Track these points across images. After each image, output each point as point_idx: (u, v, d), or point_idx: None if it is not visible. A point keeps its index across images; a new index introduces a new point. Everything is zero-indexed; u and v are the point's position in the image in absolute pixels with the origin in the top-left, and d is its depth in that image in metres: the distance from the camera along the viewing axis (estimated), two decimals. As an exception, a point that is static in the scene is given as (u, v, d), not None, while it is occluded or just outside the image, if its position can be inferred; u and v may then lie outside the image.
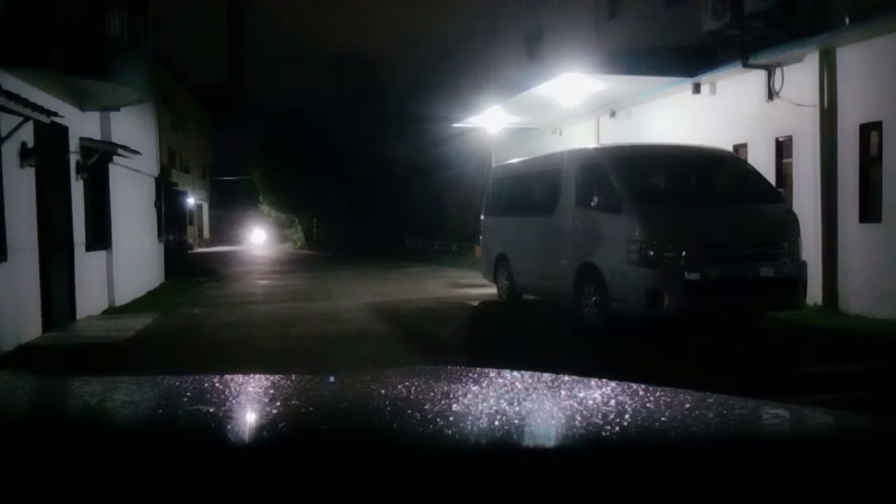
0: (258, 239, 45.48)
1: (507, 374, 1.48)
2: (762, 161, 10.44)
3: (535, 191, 10.81)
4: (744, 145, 11.34)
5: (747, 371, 6.54)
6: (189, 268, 20.86)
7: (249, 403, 1.35)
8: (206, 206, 46.66)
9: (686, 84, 12.23)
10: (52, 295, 9.47)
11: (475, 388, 1.40)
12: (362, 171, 33.83)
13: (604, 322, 8.41)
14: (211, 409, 1.27)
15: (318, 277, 18.11)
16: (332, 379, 1.62)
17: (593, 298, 8.59)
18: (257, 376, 1.50)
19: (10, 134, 8.04)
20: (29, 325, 8.76)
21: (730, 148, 10.75)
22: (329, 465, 0.89)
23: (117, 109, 12.03)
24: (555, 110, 15.17)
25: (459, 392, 1.34)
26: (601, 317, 8.45)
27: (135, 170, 13.88)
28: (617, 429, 1.07)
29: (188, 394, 1.40)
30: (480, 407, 1.26)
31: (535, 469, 0.90)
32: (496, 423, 1.14)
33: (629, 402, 1.21)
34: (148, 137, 15.57)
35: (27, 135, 8.60)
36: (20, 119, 8.06)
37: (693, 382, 1.52)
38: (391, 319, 10.37)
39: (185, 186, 33.97)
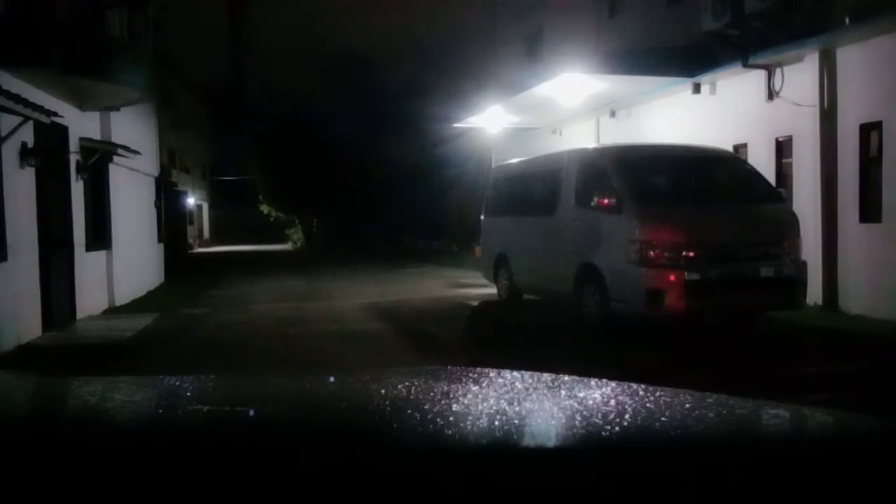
0: None
1: (507, 374, 1.48)
2: (762, 161, 10.43)
3: (535, 191, 10.81)
4: (744, 145, 11.34)
5: (747, 371, 6.54)
6: (189, 268, 20.86)
7: (249, 403, 1.35)
8: (206, 206, 46.64)
9: (686, 84, 12.22)
10: (52, 295, 9.47)
11: (475, 388, 1.40)
12: (362, 171, 33.80)
13: (604, 322, 8.40)
14: (211, 409, 1.27)
15: (317, 277, 18.10)
16: (332, 379, 1.62)
17: (593, 298, 8.58)
18: (257, 376, 1.50)
19: (10, 134, 8.04)
20: (29, 325, 8.76)
21: (730, 148, 10.74)
22: (329, 465, 0.89)
23: (117, 109, 12.03)
24: (555, 110, 15.17)
25: (459, 392, 1.34)
26: (601, 317, 8.45)
27: (135, 170, 13.88)
28: (617, 429, 1.07)
29: (188, 394, 1.40)
30: (480, 407, 1.26)
31: (535, 469, 0.90)
32: (496, 423, 1.14)
33: (629, 402, 1.21)
34: (148, 137, 15.57)
35: (27, 135, 8.59)
36: (20, 119, 8.06)
37: (693, 382, 1.52)
38: (391, 319, 10.37)
39: (185, 186, 33.97)
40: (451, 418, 1.11)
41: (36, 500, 0.84)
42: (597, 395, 1.31)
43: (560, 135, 17.05)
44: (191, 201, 35.86)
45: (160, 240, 16.56)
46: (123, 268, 12.73)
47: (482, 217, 12.80)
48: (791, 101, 10.27)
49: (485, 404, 1.28)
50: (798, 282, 8.26)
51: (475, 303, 12.18)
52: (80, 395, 1.43)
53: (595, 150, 9.82)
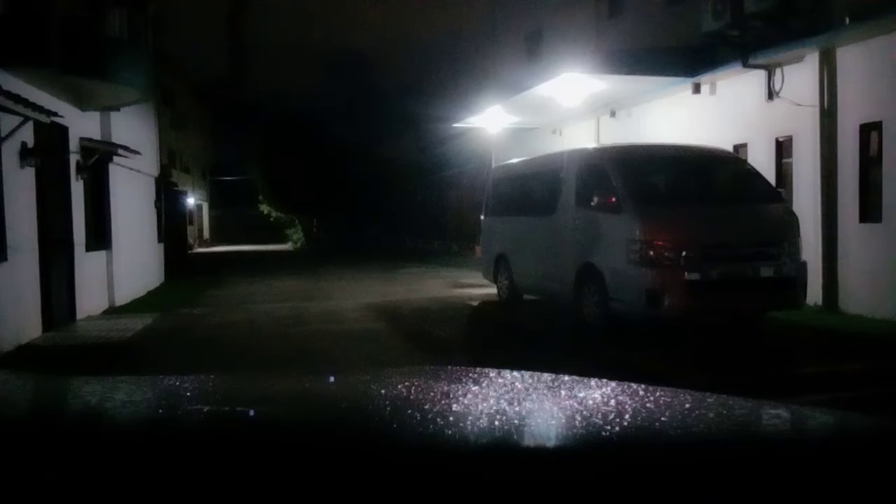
0: None
1: (507, 374, 1.48)
2: (762, 161, 10.43)
3: (535, 191, 10.81)
4: (744, 145, 11.33)
5: (747, 371, 6.54)
6: (190, 268, 20.86)
7: (249, 403, 1.35)
8: (206, 206, 46.65)
9: (686, 84, 12.22)
10: (52, 295, 9.47)
11: (475, 388, 1.40)
12: (362, 171, 33.84)
13: (604, 322, 8.40)
14: (211, 409, 1.27)
15: (317, 277, 18.11)
16: (332, 379, 1.63)
17: (593, 298, 8.58)
18: (257, 376, 1.50)
19: (10, 134, 8.04)
20: (29, 325, 8.76)
21: (730, 148, 10.74)
22: (329, 464, 0.89)
23: (117, 109, 12.03)
24: (555, 110, 15.16)
25: (459, 392, 1.34)
26: (601, 317, 8.45)
27: (135, 170, 13.88)
28: (617, 429, 1.07)
29: (188, 394, 1.40)
30: (480, 407, 1.26)
31: (535, 469, 0.90)
32: (496, 423, 1.14)
33: (629, 402, 1.21)
34: (148, 137, 15.57)
35: (27, 135, 8.59)
36: (20, 119, 8.06)
37: (693, 382, 1.53)
38: (391, 319, 10.37)
39: (185, 186, 33.97)
40: (451, 418, 1.11)
41: (36, 500, 0.84)
42: (597, 395, 1.31)
43: (560, 135, 17.05)
44: (191, 201, 35.87)
45: (160, 240, 16.56)
46: (123, 268, 12.73)
47: (482, 217, 12.80)
48: (791, 101, 10.27)
49: (485, 404, 1.28)
50: (798, 282, 8.26)
51: (475, 303, 12.18)
52: (80, 395, 1.43)
53: (595, 150, 9.82)
